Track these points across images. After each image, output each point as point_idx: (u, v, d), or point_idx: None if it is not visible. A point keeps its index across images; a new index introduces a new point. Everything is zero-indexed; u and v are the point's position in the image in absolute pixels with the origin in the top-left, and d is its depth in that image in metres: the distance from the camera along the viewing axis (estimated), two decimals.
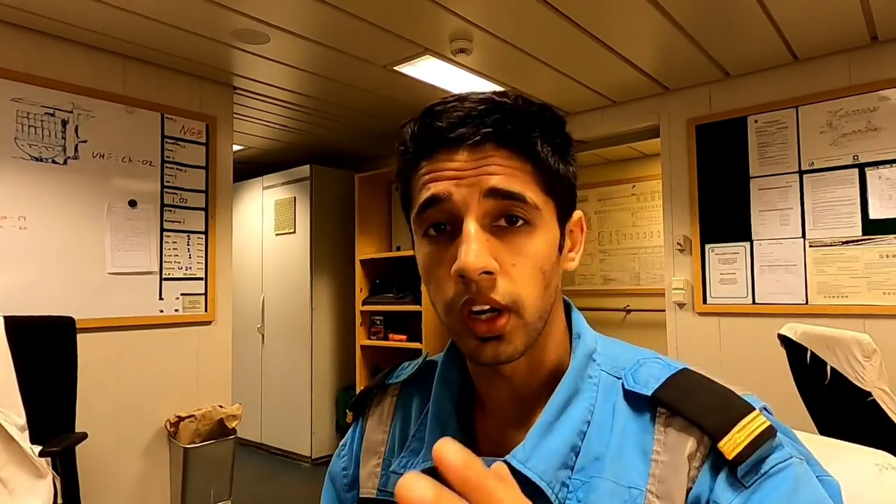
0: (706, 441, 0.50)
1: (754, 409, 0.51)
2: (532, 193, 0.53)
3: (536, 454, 0.53)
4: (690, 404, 0.52)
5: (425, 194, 0.54)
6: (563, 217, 0.58)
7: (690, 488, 0.49)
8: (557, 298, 0.59)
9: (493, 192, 0.52)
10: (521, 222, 0.53)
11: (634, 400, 0.55)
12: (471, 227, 0.51)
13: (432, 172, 0.54)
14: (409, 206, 0.58)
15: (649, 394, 0.54)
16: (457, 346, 0.65)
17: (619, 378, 0.57)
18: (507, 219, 0.53)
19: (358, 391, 0.79)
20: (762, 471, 0.48)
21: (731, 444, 0.48)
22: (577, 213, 0.60)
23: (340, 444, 0.74)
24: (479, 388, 0.62)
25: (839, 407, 1.87)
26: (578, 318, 0.62)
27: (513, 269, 0.52)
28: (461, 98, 0.54)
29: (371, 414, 0.71)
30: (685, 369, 0.56)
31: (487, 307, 0.52)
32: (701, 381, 0.55)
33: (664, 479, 0.50)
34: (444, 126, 0.53)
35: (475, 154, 0.53)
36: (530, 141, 0.54)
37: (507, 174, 0.52)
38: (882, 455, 0.70)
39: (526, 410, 0.58)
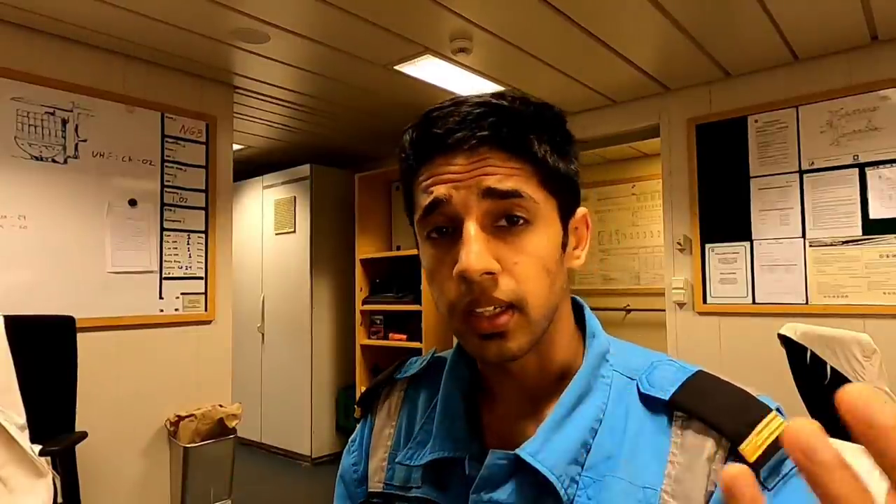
0: (725, 444, 0.50)
1: (771, 410, 0.51)
2: (531, 191, 0.53)
3: (547, 448, 0.53)
4: (708, 407, 0.52)
5: (427, 199, 0.54)
6: (566, 215, 0.58)
7: (712, 492, 0.49)
8: (564, 298, 0.59)
9: (490, 192, 0.52)
10: (521, 221, 0.53)
11: (651, 403, 0.55)
12: (471, 228, 0.52)
13: (432, 177, 0.54)
14: (412, 210, 0.59)
15: (667, 398, 0.54)
16: None
17: (633, 379, 0.57)
18: (507, 219, 0.53)
19: (359, 390, 0.79)
20: (782, 472, 0.48)
21: (752, 446, 0.48)
22: (582, 210, 0.60)
23: (350, 440, 0.74)
24: (489, 382, 0.62)
25: None
26: (592, 320, 0.62)
27: (515, 268, 0.53)
28: (458, 102, 0.55)
29: (380, 409, 0.71)
30: (700, 371, 0.56)
31: (491, 307, 0.52)
32: (717, 384, 0.55)
33: (680, 480, 0.50)
34: (440, 132, 0.53)
35: (472, 157, 0.53)
36: (526, 142, 0.54)
37: (503, 174, 0.53)
38: None
39: (535, 406, 0.58)
